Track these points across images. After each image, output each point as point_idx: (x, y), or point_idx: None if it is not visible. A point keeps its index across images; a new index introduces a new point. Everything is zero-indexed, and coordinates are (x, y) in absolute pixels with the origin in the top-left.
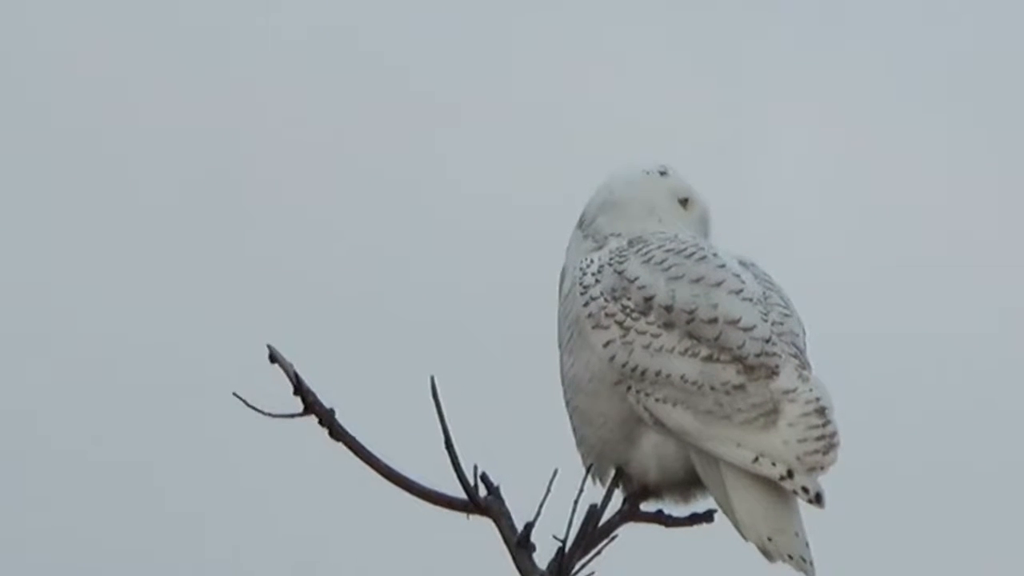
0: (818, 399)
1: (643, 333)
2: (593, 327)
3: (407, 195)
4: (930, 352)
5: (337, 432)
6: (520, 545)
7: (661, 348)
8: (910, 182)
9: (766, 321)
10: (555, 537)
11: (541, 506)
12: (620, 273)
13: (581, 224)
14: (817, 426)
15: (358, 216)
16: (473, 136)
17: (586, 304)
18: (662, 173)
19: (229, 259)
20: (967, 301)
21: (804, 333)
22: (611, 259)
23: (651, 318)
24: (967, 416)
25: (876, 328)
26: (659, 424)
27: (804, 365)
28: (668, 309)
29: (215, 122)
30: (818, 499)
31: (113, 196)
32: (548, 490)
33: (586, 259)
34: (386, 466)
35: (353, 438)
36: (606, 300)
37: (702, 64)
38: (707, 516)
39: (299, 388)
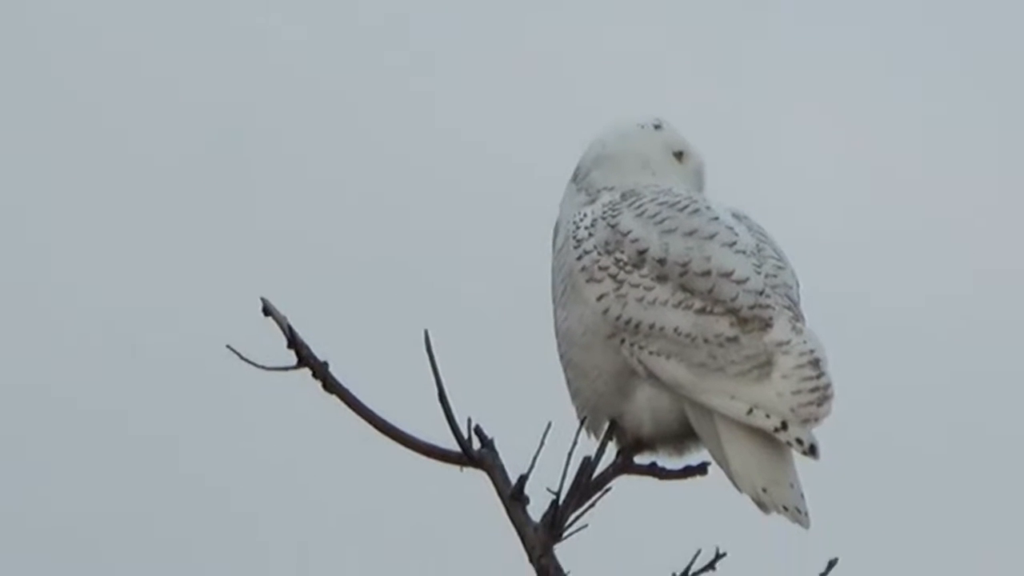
0: (812, 351)
1: (636, 286)
2: (587, 281)
3: (403, 153)
4: (926, 341)
5: (331, 385)
6: (514, 498)
7: (655, 301)
8: (910, 180)
9: (759, 273)
10: (549, 490)
11: (535, 459)
12: (613, 227)
13: (575, 178)
14: (811, 378)
15: (354, 171)
16: (476, 130)
17: (579, 258)
18: (656, 127)
19: (223, 213)
20: (966, 295)
21: (798, 285)
22: (604, 212)
23: (644, 271)
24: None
25: (876, 320)
26: (653, 377)
27: (798, 317)
28: (661, 262)
29: (211, 78)
30: (812, 451)
31: (107, 156)
32: (542, 443)
33: (579, 213)
34: (380, 419)
35: (347, 391)
36: (599, 254)
37: (702, 63)
38: (701, 468)
39: (293, 341)
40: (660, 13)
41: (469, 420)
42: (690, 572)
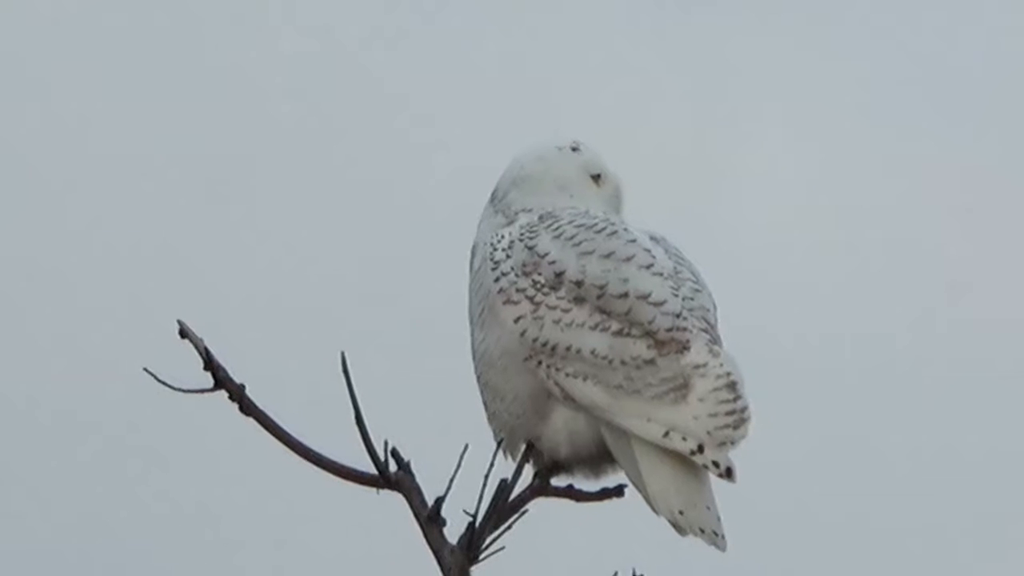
0: (728, 374)
1: (554, 308)
2: (504, 302)
3: (326, 172)
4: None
5: (247, 407)
6: (430, 520)
7: (572, 323)
8: (876, 211)
9: (677, 296)
10: (466, 512)
11: (451, 481)
12: (531, 248)
13: (493, 199)
14: (727, 401)
15: (271, 192)
16: (449, 132)
17: (497, 280)
18: (574, 149)
19: (139, 235)
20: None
21: (715, 308)
22: (522, 234)
23: (562, 293)
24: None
25: (854, 329)
26: (570, 399)
27: (715, 340)
28: (578, 284)
29: (143, 93)
30: (728, 473)
31: (27, 171)
32: (459, 465)
33: (497, 234)
34: (297, 441)
35: (264, 413)
36: (517, 275)
37: (684, 67)
38: (618, 491)
39: (209, 363)
40: (648, 18)
41: (386, 442)
42: None
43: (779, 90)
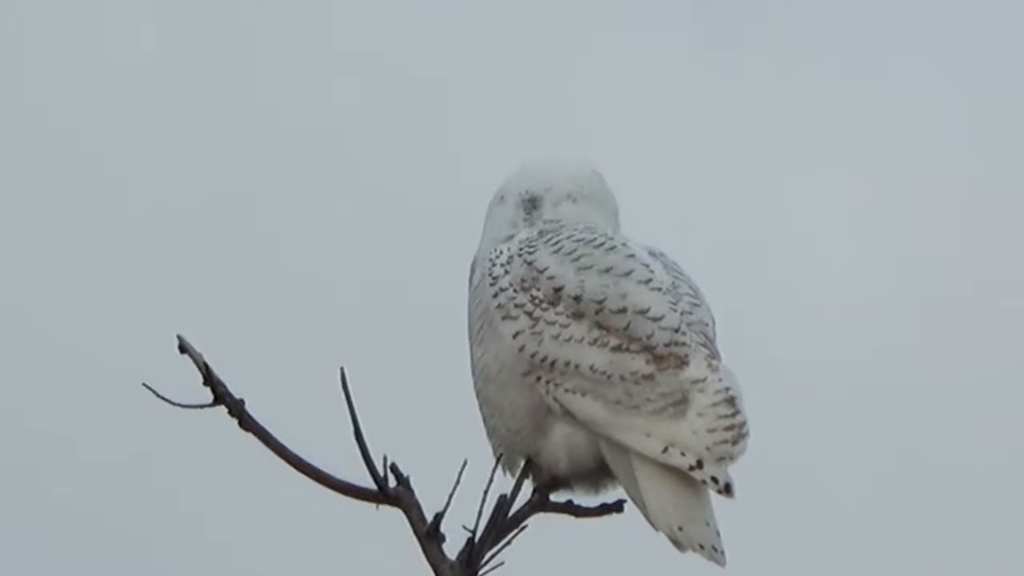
0: (727, 389)
1: (552, 323)
2: (503, 318)
3: (318, 185)
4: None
5: (247, 423)
6: (429, 535)
7: (570, 338)
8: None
9: (675, 311)
10: (465, 527)
11: (451, 496)
12: (530, 263)
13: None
14: (726, 416)
15: (272, 201)
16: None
17: (496, 295)
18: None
19: (139, 248)
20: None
21: (713, 322)
22: (520, 249)
23: (560, 308)
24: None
25: (853, 342)
26: (569, 414)
27: (714, 355)
28: (577, 299)
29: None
30: (727, 489)
31: (27, 179)
32: (458, 480)
33: (495, 250)
34: (296, 456)
35: (263, 428)
36: (515, 291)
37: (706, 84)
38: (617, 506)
39: (209, 378)
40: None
41: (385, 458)
42: None
43: (791, 101)
